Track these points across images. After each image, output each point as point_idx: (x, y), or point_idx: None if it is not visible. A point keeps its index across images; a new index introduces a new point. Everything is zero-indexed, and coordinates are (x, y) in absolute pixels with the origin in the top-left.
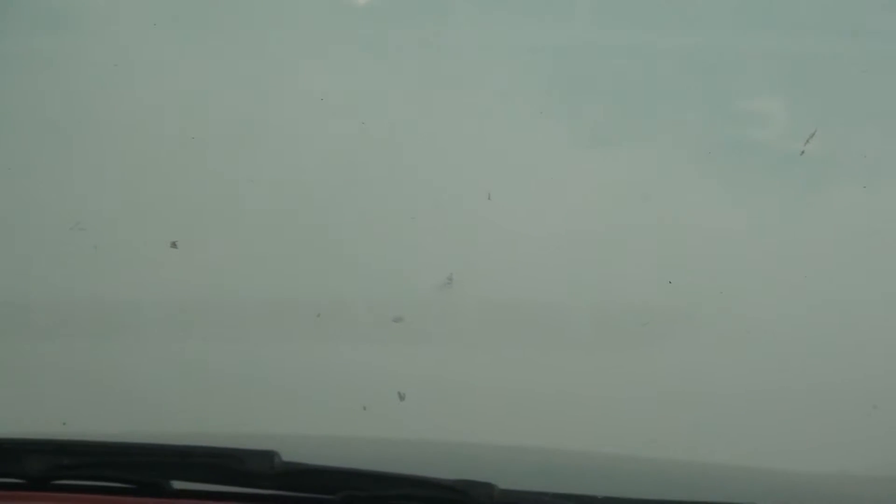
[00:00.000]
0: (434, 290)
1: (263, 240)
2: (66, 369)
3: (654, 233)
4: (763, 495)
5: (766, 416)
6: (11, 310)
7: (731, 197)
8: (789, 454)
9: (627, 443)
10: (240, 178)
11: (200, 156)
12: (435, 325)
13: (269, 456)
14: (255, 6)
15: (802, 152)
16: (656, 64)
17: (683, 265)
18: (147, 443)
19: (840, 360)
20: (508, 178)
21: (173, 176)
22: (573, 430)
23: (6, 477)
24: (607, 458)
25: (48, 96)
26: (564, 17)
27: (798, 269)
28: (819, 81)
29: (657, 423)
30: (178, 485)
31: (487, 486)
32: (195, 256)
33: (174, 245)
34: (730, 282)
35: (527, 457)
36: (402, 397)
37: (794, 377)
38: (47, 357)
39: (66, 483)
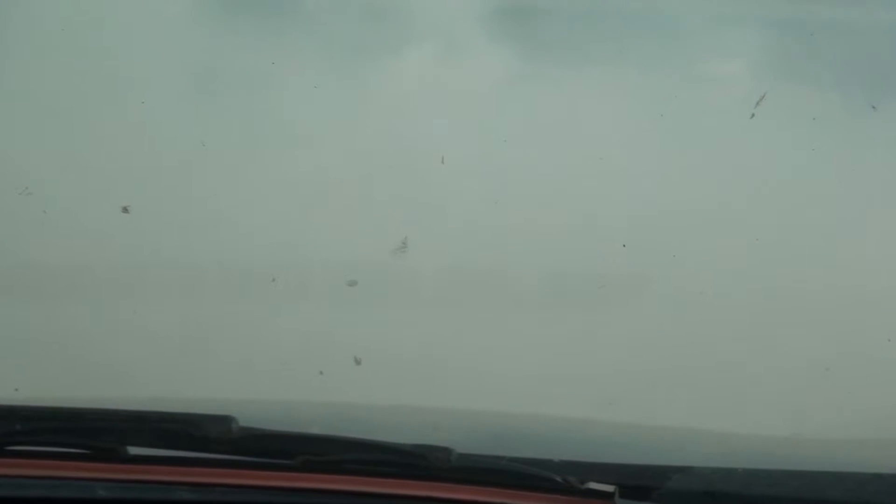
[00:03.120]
0: (388, 253)
1: (217, 204)
2: (18, 335)
3: (608, 196)
4: (718, 458)
5: (721, 379)
6: None
7: (683, 159)
8: (743, 417)
9: (585, 406)
10: (192, 141)
11: (151, 119)
12: (390, 289)
13: (226, 421)
14: None
15: (753, 115)
16: (608, 27)
17: (637, 228)
18: (102, 408)
19: (792, 322)
20: (462, 142)
21: (124, 139)
22: (530, 394)
23: None
24: (565, 421)
25: None
26: None
27: (750, 231)
28: (769, 45)
29: (614, 387)
30: (134, 450)
31: (445, 451)
32: (147, 221)
33: (125, 210)
34: (683, 245)
35: (484, 421)
36: (358, 362)
37: (748, 340)
38: None
39: (19, 449)
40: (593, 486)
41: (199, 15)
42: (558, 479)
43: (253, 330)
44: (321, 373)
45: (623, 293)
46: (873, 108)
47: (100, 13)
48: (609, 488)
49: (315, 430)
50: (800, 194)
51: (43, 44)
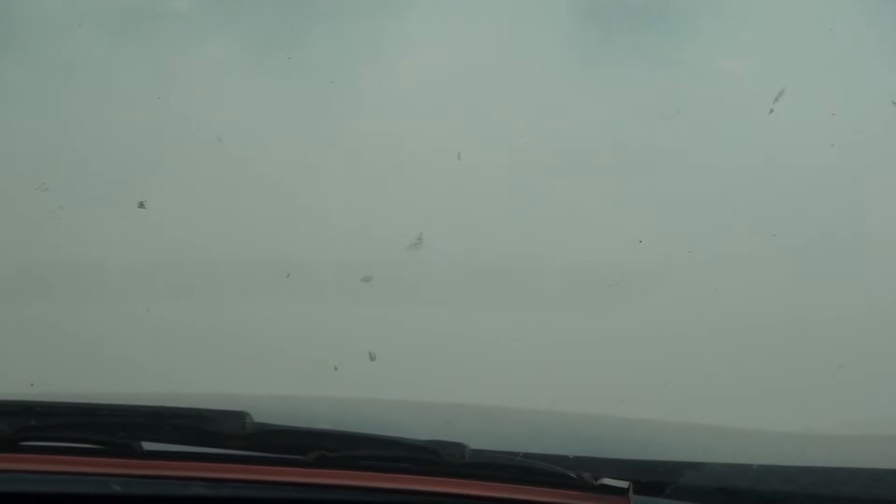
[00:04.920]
0: (403, 249)
1: (232, 199)
2: (34, 331)
3: (624, 192)
4: (732, 454)
5: (734, 376)
6: None
7: (701, 156)
8: (758, 413)
9: (598, 402)
10: (208, 137)
11: (167, 115)
12: (404, 284)
13: (240, 416)
14: None
15: (771, 110)
16: (623, 23)
17: (653, 225)
18: (117, 404)
19: (807, 319)
20: (478, 138)
21: (140, 135)
22: (544, 390)
23: None
24: (578, 417)
25: (8, 57)
26: None
27: (766, 228)
28: (788, 40)
29: (627, 382)
30: (148, 446)
31: (458, 446)
32: (163, 217)
33: (142, 205)
34: (699, 241)
35: (498, 417)
36: (372, 357)
37: (762, 336)
38: (14, 318)
39: (34, 444)
40: (607, 482)
41: (215, 11)
42: (572, 475)
43: (267, 325)
44: (335, 368)
45: (638, 289)
46: (893, 103)
47: (115, 9)
48: (623, 484)
49: (329, 425)
50: (817, 190)
51: (59, 40)
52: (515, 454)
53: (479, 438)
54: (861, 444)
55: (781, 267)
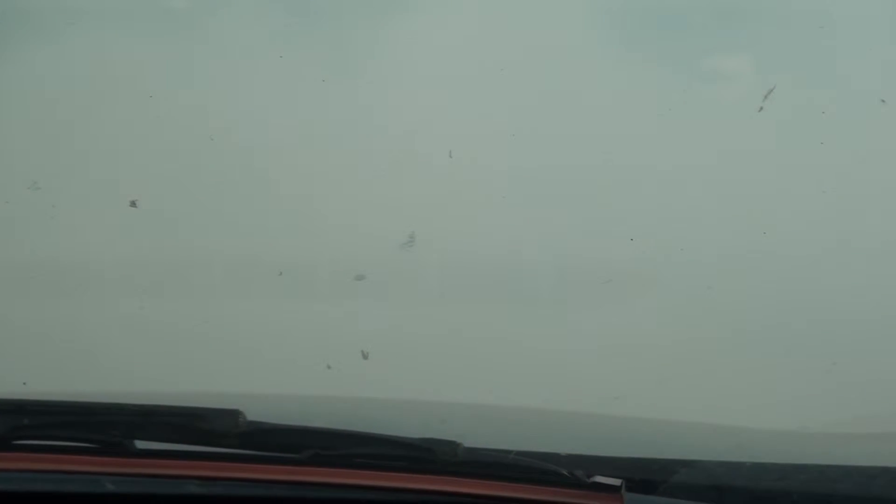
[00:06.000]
0: (396, 248)
1: (224, 198)
2: (26, 329)
3: (615, 190)
4: (725, 452)
5: (728, 374)
6: None
7: (691, 154)
8: (751, 411)
9: (591, 400)
10: (200, 136)
11: (160, 114)
12: (397, 283)
13: (233, 415)
14: None
15: (761, 108)
16: (616, 22)
17: (645, 223)
18: (110, 402)
19: (800, 316)
20: (470, 137)
21: (132, 134)
22: (537, 388)
23: None
24: (571, 415)
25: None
26: None
27: (757, 226)
28: (777, 38)
29: (620, 381)
30: (141, 444)
31: (452, 444)
32: (155, 215)
33: (133, 204)
34: (691, 238)
35: (491, 414)
36: (365, 356)
37: (756, 334)
38: (6, 317)
39: (27, 443)
40: (600, 479)
41: (207, 9)
42: (565, 472)
43: (260, 324)
44: (328, 367)
45: (631, 288)
46: (882, 101)
47: (107, 8)
48: (616, 482)
49: (322, 424)
50: (807, 189)
51: (51, 38)
52: (508, 452)
53: (472, 436)
54: (854, 441)
55: (773, 265)
